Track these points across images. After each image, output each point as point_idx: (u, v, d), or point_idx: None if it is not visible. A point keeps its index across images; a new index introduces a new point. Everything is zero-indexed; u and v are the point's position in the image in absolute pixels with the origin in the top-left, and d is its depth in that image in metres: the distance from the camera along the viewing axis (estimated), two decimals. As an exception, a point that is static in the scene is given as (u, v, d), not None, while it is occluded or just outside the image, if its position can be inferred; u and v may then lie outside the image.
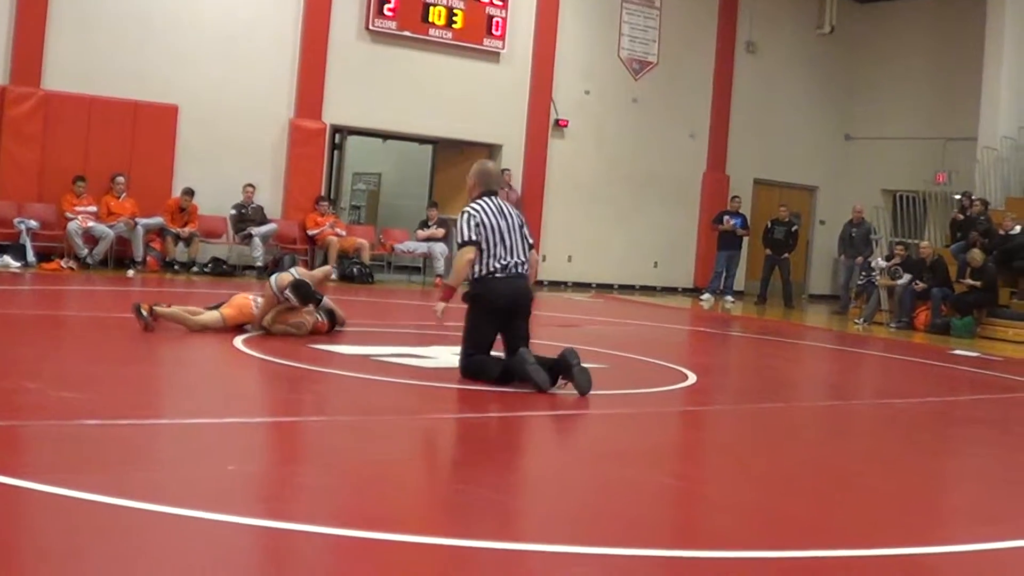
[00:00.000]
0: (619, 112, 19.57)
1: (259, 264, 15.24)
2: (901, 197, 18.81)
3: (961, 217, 16.78)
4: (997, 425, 7.62)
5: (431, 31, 17.35)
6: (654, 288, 20.01)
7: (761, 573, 3.64)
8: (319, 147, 16.67)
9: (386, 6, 16.90)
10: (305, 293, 8.44)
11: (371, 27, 16.91)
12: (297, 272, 8.79)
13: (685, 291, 20.17)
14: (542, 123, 18.64)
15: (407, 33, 17.17)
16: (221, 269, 15.16)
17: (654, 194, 19.96)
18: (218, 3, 15.94)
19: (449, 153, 18.58)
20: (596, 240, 19.35)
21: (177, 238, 14.94)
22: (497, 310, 6.89)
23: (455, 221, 7.29)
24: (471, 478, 4.72)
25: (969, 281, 14.92)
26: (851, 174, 22.03)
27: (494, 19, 17.89)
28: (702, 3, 20.44)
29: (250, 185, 15.64)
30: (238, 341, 7.97)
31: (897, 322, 15.42)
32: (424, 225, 17.09)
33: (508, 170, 17.32)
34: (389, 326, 10.82)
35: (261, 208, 15.73)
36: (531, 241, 7.14)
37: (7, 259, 13.37)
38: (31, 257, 13.65)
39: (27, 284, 12.16)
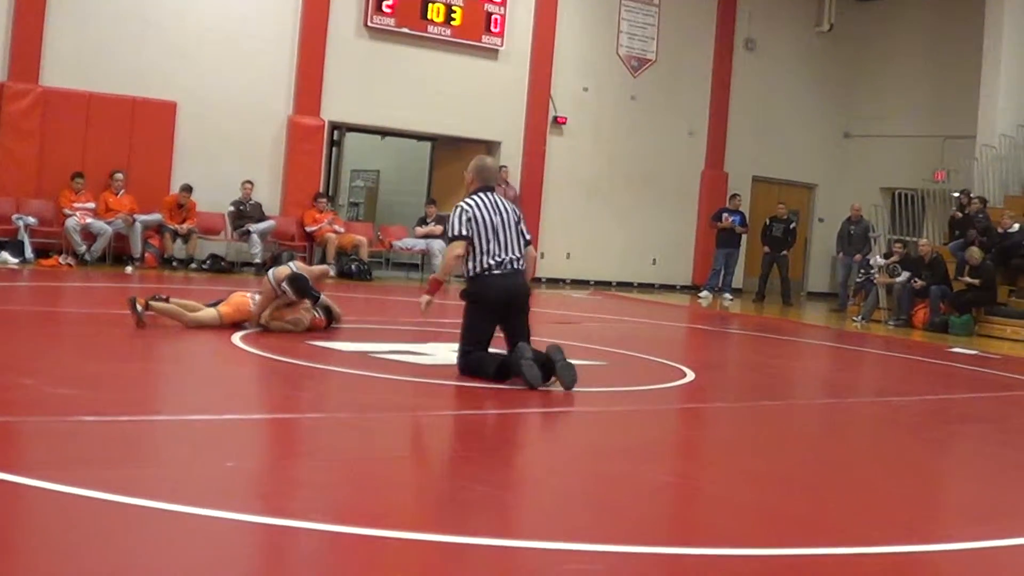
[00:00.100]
0: (618, 109, 19.56)
1: (257, 261, 15.23)
2: (900, 195, 18.80)
3: (960, 215, 16.77)
4: (995, 423, 7.62)
5: (430, 28, 17.33)
6: (652, 285, 20.01)
7: (759, 570, 3.64)
8: (317, 144, 16.66)
9: (384, 3, 16.87)
10: (302, 287, 8.44)
11: (370, 24, 16.89)
12: (295, 266, 8.79)
13: (683, 288, 20.16)
14: (541, 120, 18.64)
15: (406, 30, 17.15)
16: (219, 266, 15.14)
17: (653, 191, 19.96)
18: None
19: (447, 150, 18.57)
20: (594, 237, 19.35)
21: (175, 235, 14.94)
22: (494, 307, 6.89)
23: (453, 218, 7.29)
24: (469, 474, 4.72)
25: (967, 279, 14.92)
26: (850, 172, 22.03)
27: (493, 16, 17.88)
28: (701, 1, 20.43)
29: (248, 182, 15.63)
30: (236, 338, 7.97)
31: (895, 320, 15.43)
32: (422, 222, 17.09)
33: (505, 167, 17.30)
34: (387, 323, 10.81)
35: (259, 205, 15.72)
36: (528, 237, 7.14)
37: (5, 255, 13.35)
38: (29, 253, 13.63)
39: (25, 280, 12.16)
